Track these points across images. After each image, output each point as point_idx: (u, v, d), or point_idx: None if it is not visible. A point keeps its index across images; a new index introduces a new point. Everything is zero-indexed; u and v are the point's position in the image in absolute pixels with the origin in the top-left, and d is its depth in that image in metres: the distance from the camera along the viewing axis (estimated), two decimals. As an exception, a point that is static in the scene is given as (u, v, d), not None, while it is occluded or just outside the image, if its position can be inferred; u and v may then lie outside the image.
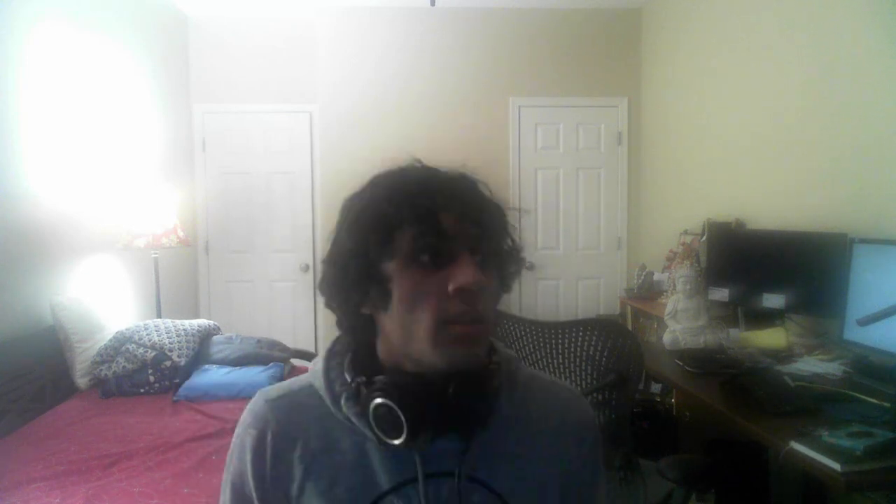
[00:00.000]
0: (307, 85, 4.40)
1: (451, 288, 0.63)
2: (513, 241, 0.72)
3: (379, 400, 0.63)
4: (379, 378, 0.66)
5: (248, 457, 0.71)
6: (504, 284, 0.72)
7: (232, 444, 0.75)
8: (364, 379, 0.67)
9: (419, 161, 0.73)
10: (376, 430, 0.65)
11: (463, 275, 0.63)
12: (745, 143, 3.17)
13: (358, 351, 0.72)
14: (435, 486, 0.67)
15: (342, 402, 0.69)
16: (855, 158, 2.41)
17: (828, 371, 2.05)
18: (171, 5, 4.18)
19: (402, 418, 0.62)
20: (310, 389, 0.73)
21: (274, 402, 0.73)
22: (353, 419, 0.68)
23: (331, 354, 0.74)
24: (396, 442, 0.64)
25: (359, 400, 0.67)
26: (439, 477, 0.67)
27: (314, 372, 0.74)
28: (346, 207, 0.71)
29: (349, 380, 0.70)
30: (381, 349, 0.71)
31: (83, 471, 1.93)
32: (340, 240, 0.70)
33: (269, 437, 0.70)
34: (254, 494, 0.70)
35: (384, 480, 0.67)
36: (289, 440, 0.70)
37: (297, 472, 0.69)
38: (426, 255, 0.64)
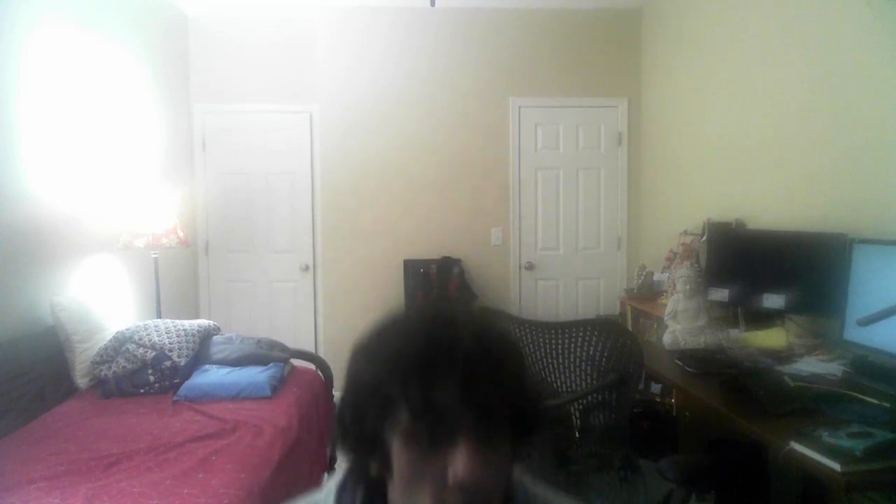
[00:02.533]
0: (307, 85, 4.40)
1: (449, 478, 0.60)
2: (529, 391, 0.68)
3: None
4: None
5: None
6: (522, 437, 0.68)
7: None
8: None
9: (431, 313, 0.67)
10: None
11: (461, 468, 0.59)
12: (745, 143, 3.17)
13: (368, 492, 0.70)
14: None
15: None
16: (855, 158, 2.42)
17: (828, 371, 2.05)
18: (171, 5, 4.18)
19: None
20: None
21: None
22: None
23: (343, 489, 0.72)
24: None
25: None
26: None
27: (326, 500, 0.72)
28: (350, 368, 0.68)
29: None
30: (391, 498, 0.68)
31: (83, 471, 1.93)
32: (345, 402, 0.68)
33: None
34: None
35: None
36: None
37: None
38: (423, 435, 0.61)
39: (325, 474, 2.81)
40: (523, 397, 0.66)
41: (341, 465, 0.73)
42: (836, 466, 1.36)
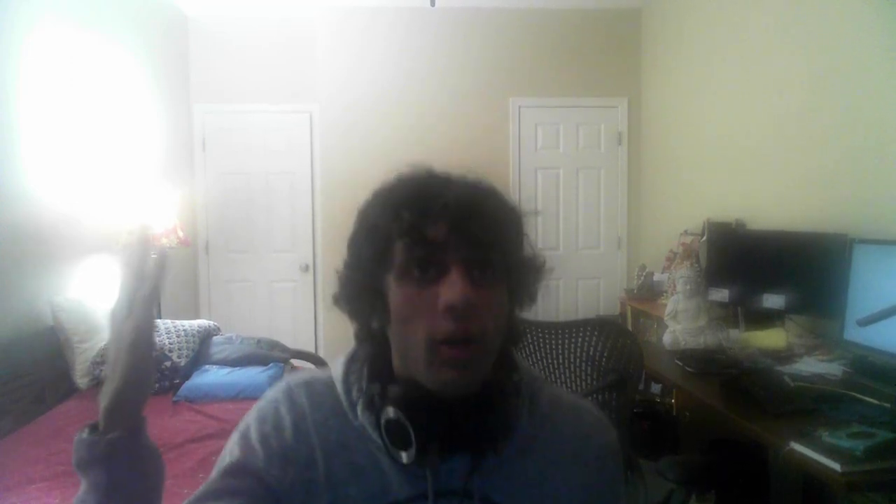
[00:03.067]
0: (307, 85, 4.40)
1: (439, 305, 0.61)
2: (528, 249, 0.69)
3: (390, 413, 0.63)
4: (392, 389, 0.65)
5: (274, 431, 0.69)
6: (520, 296, 0.70)
7: (250, 419, 0.72)
8: (378, 389, 0.67)
9: (427, 168, 0.69)
10: (388, 444, 0.65)
11: (451, 291, 0.60)
12: (745, 143, 3.17)
13: (375, 360, 0.71)
14: None
15: (358, 409, 0.69)
16: (855, 159, 2.41)
17: (828, 371, 2.05)
18: (171, 5, 4.18)
19: (412, 434, 0.62)
20: (331, 388, 0.73)
21: (301, 389, 0.72)
22: (368, 428, 0.68)
23: (351, 359, 0.73)
24: (404, 456, 0.63)
25: (373, 410, 0.67)
26: (451, 496, 0.66)
27: (335, 373, 0.74)
28: (354, 221, 0.70)
29: (365, 388, 0.69)
30: (395, 361, 0.69)
31: (83, 471, 1.92)
32: (348, 254, 0.70)
33: (296, 418, 0.70)
34: (268, 473, 0.67)
35: (397, 490, 0.67)
36: (312, 427, 0.69)
37: (320, 459, 0.68)
38: (415, 270, 0.62)
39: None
40: (519, 250, 0.68)
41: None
42: (837, 466, 1.36)
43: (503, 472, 0.68)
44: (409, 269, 0.63)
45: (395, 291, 0.64)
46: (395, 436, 0.64)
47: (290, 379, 0.75)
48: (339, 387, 0.71)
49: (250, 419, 0.72)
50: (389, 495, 0.66)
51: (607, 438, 0.75)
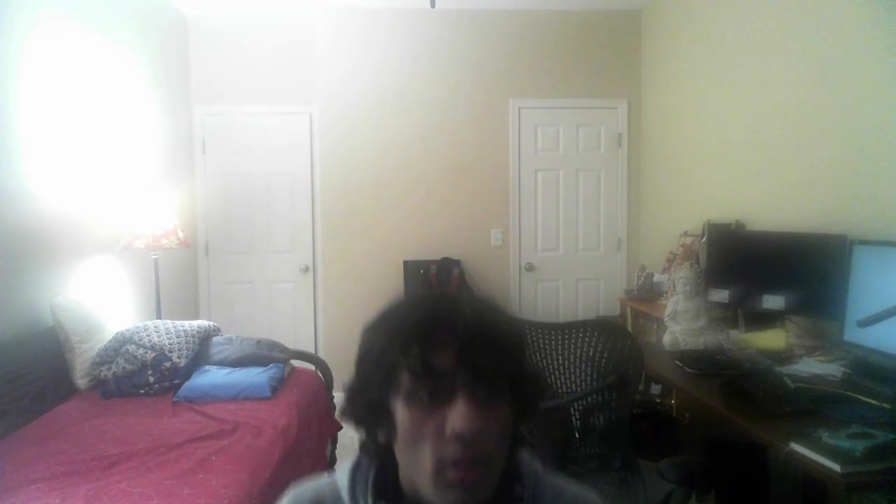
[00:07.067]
0: (307, 86, 4.40)
1: (447, 431, 0.63)
2: (529, 368, 0.72)
3: None
4: None
5: None
6: (523, 411, 0.72)
7: None
8: None
9: (430, 294, 0.73)
10: None
11: (459, 419, 0.63)
12: (745, 144, 3.17)
13: (381, 473, 0.73)
14: None
15: None
16: (855, 159, 2.42)
17: (828, 372, 2.05)
18: (171, 6, 4.18)
19: None
20: (337, 500, 0.75)
21: None
22: None
23: (356, 468, 0.75)
24: None
25: None
26: None
27: (341, 482, 0.76)
28: (360, 345, 0.73)
29: (371, 502, 0.72)
30: (401, 475, 0.71)
31: (83, 471, 1.93)
32: (354, 375, 0.73)
33: None
34: None
35: None
36: None
37: None
38: (423, 396, 0.65)
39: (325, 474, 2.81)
40: (521, 370, 0.70)
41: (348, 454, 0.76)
42: (836, 467, 1.37)
43: None
44: (417, 394, 0.65)
45: (403, 413, 0.66)
46: None
47: (297, 496, 0.78)
48: (346, 499, 0.74)
49: None
50: None
51: None
